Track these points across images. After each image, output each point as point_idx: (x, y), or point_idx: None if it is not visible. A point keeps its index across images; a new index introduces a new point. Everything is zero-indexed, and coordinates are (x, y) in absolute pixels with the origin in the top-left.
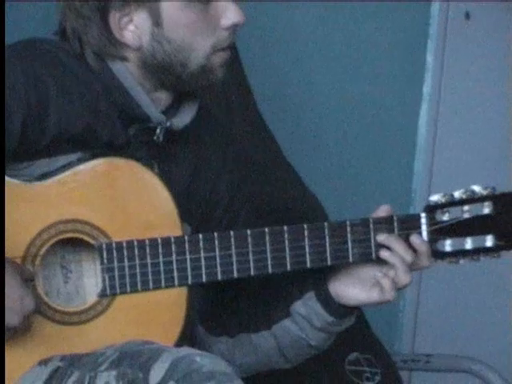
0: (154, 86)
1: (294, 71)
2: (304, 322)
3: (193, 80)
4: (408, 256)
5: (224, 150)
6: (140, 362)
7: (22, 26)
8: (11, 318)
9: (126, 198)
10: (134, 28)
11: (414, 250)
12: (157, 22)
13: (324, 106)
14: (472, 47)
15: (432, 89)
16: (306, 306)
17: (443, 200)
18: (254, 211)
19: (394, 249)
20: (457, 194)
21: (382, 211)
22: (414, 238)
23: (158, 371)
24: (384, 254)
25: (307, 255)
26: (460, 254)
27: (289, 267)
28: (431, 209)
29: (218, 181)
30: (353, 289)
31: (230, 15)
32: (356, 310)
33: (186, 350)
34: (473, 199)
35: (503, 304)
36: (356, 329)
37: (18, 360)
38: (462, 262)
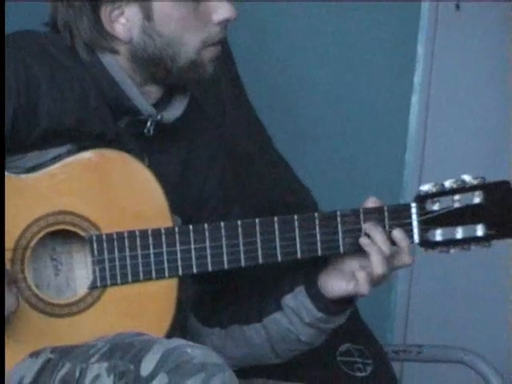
0: (145, 79)
1: (286, 63)
2: (294, 316)
3: (182, 74)
4: (384, 247)
5: (215, 144)
6: (131, 354)
7: (22, 25)
8: None
9: (116, 189)
10: (124, 21)
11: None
12: (148, 15)
13: (315, 97)
14: (462, 38)
15: (423, 79)
16: (296, 300)
17: (434, 190)
18: (246, 206)
19: (373, 238)
20: (447, 184)
21: (370, 202)
22: (395, 232)
23: (148, 363)
24: (363, 241)
25: (298, 246)
26: (451, 243)
27: (279, 258)
28: (422, 198)
29: (209, 175)
30: (334, 280)
31: (222, 10)
32: (347, 310)
33: (176, 342)
34: (463, 189)
35: (495, 294)
36: (347, 320)
37: (9, 352)
38: (452, 251)
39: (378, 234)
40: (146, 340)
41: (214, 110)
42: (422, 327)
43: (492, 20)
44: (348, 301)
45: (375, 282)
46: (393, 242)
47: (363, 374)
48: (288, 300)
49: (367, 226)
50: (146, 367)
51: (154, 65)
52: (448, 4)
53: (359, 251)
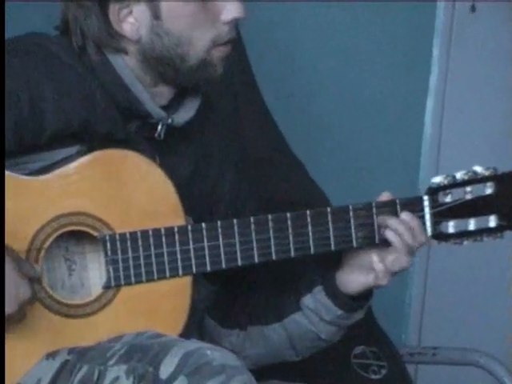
0: (155, 80)
1: (301, 65)
2: (313, 316)
3: (192, 74)
4: (408, 237)
5: (227, 145)
6: (150, 356)
7: (23, 25)
8: (6, 305)
9: (127, 188)
10: (133, 20)
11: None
12: (156, 14)
13: (331, 99)
14: (478, 40)
15: (438, 81)
16: (315, 300)
17: (445, 182)
18: (258, 206)
19: (397, 230)
20: (459, 176)
21: (384, 197)
22: (403, 215)
23: (168, 365)
24: (389, 233)
25: (311, 241)
26: (463, 235)
27: (293, 254)
28: (434, 191)
29: (221, 176)
30: (352, 274)
31: (230, 9)
32: (365, 304)
33: (195, 344)
34: (475, 180)
35: (510, 297)
36: (362, 322)
37: (24, 353)
38: (465, 243)
39: (399, 225)
40: (165, 342)
41: (227, 110)
42: (437, 329)
43: (508, 21)
44: (366, 295)
45: (395, 273)
46: None
47: (378, 377)
48: (307, 301)
49: (387, 220)
50: (166, 370)
51: (163, 64)
52: (463, 6)
53: (372, 245)
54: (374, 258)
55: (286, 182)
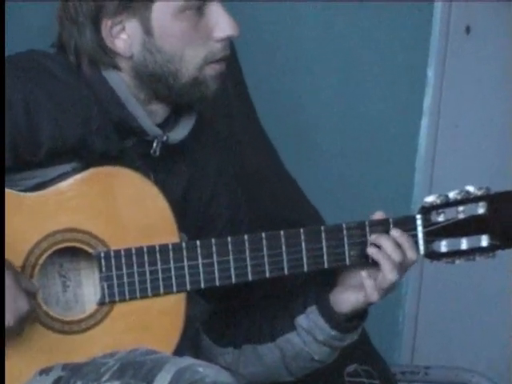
0: (149, 97)
1: (295, 84)
2: (307, 336)
3: (185, 91)
4: (395, 254)
5: (222, 163)
6: (143, 373)
7: (23, 25)
8: (5, 319)
9: (123, 205)
10: (125, 37)
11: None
12: (148, 30)
13: (326, 117)
14: (472, 61)
15: (432, 102)
16: (309, 320)
17: (438, 201)
18: (255, 224)
19: (382, 246)
20: (452, 195)
21: (377, 216)
22: (393, 232)
23: (161, 382)
24: (371, 250)
25: (304, 258)
26: (456, 254)
27: (286, 271)
28: (426, 210)
29: (216, 194)
30: (344, 293)
31: (224, 27)
32: (359, 326)
33: (188, 361)
34: (467, 199)
35: (502, 316)
36: (355, 340)
37: (17, 369)
38: (457, 262)
39: (386, 242)
40: (158, 358)
41: (222, 126)
42: (430, 348)
43: (502, 43)
44: (360, 317)
45: (386, 290)
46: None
47: None
48: (301, 320)
49: (374, 238)
50: None
51: (156, 81)
52: (458, 27)
53: (365, 263)
54: (363, 273)
55: (280, 199)
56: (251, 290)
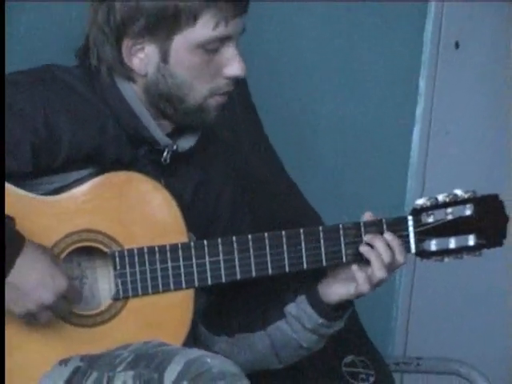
0: (157, 113)
1: (293, 92)
2: (296, 323)
3: (188, 115)
4: (386, 254)
5: (228, 168)
6: (155, 364)
7: (23, 25)
8: (44, 295)
9: (135, 208)
10: (143, 56)
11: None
12: (165, 58)
13: (322, 126)
14: (461, 73)
15: (424, 110)
16: (299, 308)
17: (428, 203)
18: (255, 226)
19: (375, 246)
20: (441, 198)
21: (367, 216)
22: (386, 235)
23: (171, 372)
24: (364, 248)
25: (304, 257)
26: (445, 252)
27: (287, 269)
28: (417, 212)
29: (221, 196)
30: (335, 285)
31: (234, 67)
32: (345, 314)
33: (197, 352)
34: (455, 202)
35: (492, 309)
36: (352, 333)
37: (38, 359)
38: (446, 260)
39: (378, 242)
40: (169, 350)
41: (228, 134)
42: (421, 341)
43: (489, 57)
44: (344, 307)
45: (374, 284)
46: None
47: None
48: (291, 308)
49: (368, 238)
50: (169, 376)
51: (164, 101)
52: (448, 42)
53: (360, 261)
54: (354, 267)
55: (282, 201)
56: (245, 282)
